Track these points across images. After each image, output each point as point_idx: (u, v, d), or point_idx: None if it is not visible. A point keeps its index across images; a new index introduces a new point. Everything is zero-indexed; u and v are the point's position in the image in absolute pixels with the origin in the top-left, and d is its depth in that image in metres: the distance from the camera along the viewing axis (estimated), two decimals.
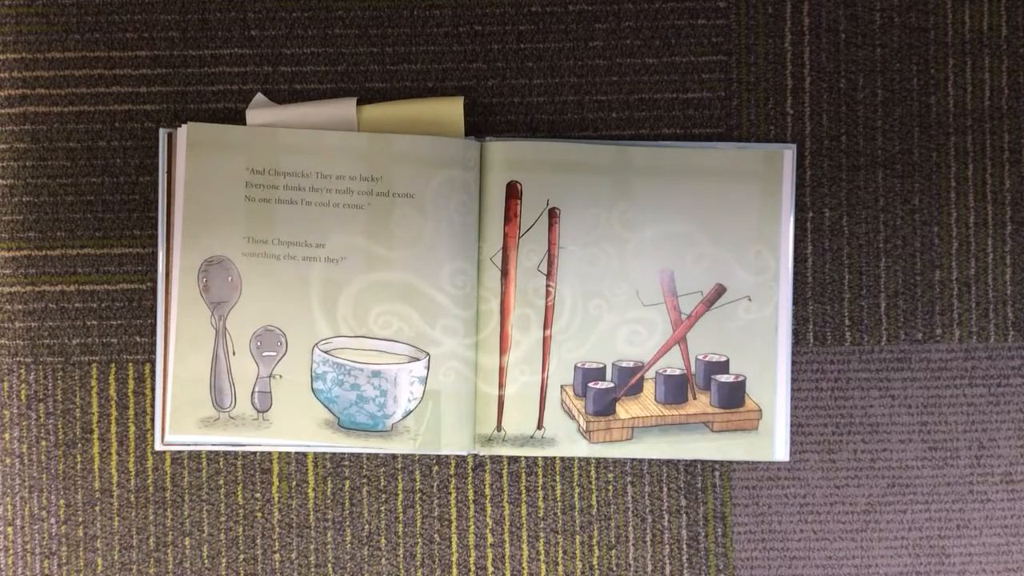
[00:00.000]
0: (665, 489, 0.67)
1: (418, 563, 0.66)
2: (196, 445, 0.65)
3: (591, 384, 0.65)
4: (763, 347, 0.66)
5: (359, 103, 0.65)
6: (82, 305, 0.66)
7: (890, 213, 0.67)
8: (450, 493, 0.67)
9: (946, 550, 0.67)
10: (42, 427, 0.66)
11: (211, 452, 0.66)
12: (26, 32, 0.66)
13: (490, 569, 0.67)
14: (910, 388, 0.67)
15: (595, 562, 0.67)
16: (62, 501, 0.66)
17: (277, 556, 0.66)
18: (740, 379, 0.66)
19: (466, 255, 0.65)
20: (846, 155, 0.67)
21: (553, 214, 0.65)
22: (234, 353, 0.64)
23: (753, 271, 0.66)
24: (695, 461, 0.67)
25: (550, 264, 0.65)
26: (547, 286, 0.65)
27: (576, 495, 0.67)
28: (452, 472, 0.66)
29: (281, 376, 0.65)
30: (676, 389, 0.66)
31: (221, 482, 0.66)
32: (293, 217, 0.64)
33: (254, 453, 0.66)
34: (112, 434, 0.66)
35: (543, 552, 0.67)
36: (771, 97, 0.67)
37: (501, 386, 0.65)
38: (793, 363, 0.66)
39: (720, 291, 0.66)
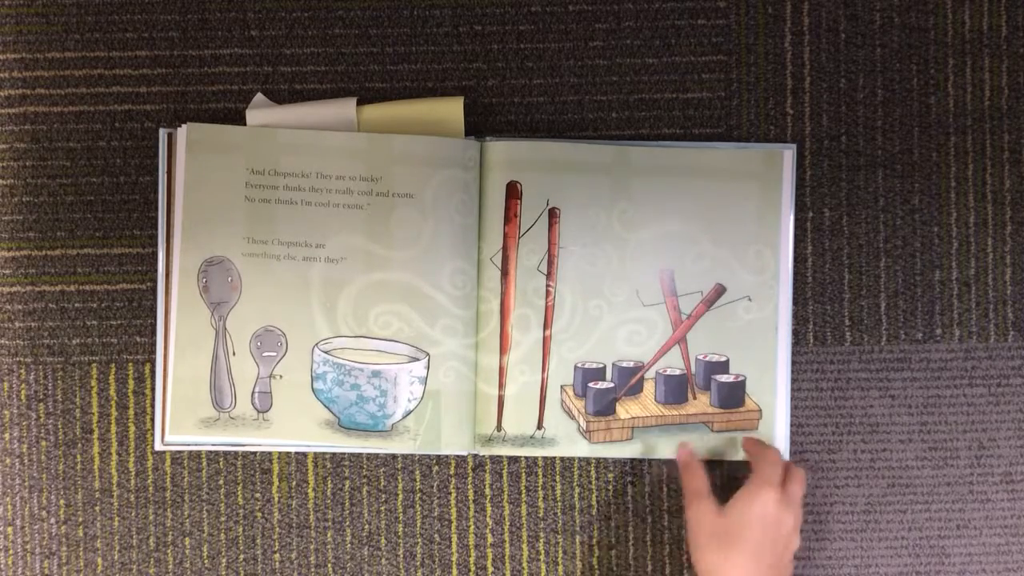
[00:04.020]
0: (665, 489, 0.67)
1: (418, 563, 0.66)
2: (196, 445, 0.65)
3: (591, 384, 0.65)
4: (763, 347, 0.66)
5: (359, 103, 0.65)
6: (82, 305, 0.66)
7: (890, 213, 0.67)
8: (450, 493, 0.66)
9: (946, 550, 0.67)
10: (42, 427, 0.66)
11: (211, 452, 0.66)
12: (26, 32, 0.66)
13: (490, 569, 0.66)
14: (910, 388, 0.67)
15: (595, 562, 0.67)
16: (62, 501, 0.66)
17: (277, 556, 0.66)
18: (740, 379, 0.66)
19: (466, 255, 0.65)
20: (846, 155, 0.67)
21: (553, 214, 0.65)
22: (234, 353, 0.64)
23: (753, 271, 0.66)
24: None
25: (550, 264, 0.65)
26: (547, 286, 0.65)
27: (576, 495, 0.66)
28: (452, 472, 0.66)
29: (281, 376, 0.65)
30: (676, 389, 0.66)
31: (221, 482, 0.66)
32: (293, 217, 0.64)
33: (254, 453, 0.66)
34: (112, 434, 0.66)
35: (543, 552, 0.67)
36: (771, 97, 0.67)
37: (501, 386, 0.65)
38: (793, 363, 0.66)
39: (720, 291, 0.66)
